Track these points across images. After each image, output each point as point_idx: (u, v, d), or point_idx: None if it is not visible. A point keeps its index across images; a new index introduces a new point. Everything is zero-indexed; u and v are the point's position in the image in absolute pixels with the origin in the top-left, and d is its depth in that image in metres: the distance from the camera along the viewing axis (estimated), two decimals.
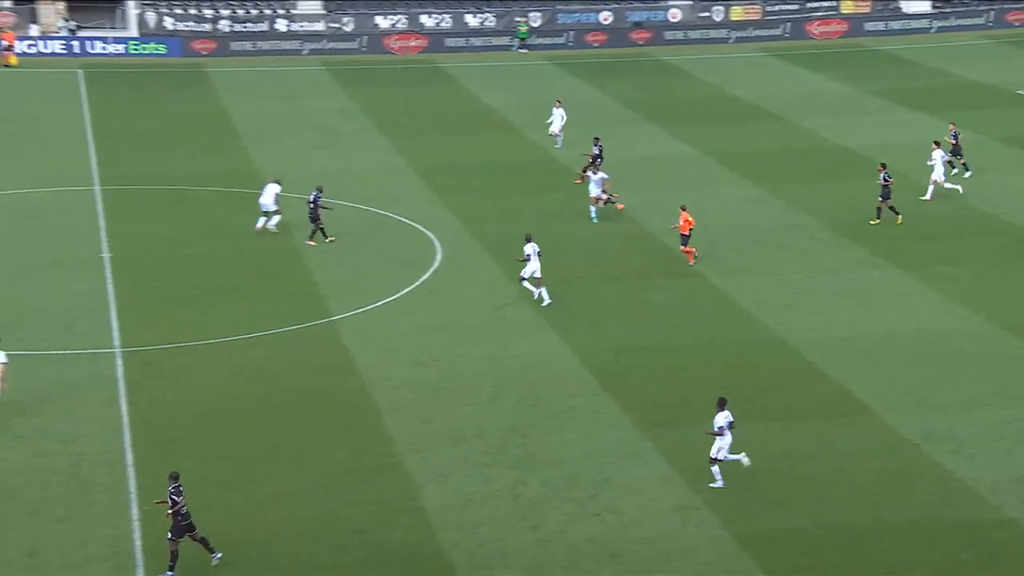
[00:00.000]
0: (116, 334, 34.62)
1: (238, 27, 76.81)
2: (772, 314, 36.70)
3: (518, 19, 79.72)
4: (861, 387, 31.87)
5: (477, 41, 79.15)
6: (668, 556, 24.76)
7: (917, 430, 29.46)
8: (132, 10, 76.46)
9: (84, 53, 73.90)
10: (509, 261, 40.32)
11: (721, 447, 26.96)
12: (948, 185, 46.72)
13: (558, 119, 54.31)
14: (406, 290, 38.10)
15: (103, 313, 36.02)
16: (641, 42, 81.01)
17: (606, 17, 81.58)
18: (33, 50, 73.07)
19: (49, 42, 73.82)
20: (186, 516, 23.51)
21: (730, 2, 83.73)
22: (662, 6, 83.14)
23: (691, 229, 39.59)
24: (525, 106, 63.65)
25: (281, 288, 38.17)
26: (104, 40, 74.73)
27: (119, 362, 32.85)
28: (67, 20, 75.39)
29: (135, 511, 25.78)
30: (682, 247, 39.78)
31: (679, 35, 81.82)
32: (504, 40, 79.28)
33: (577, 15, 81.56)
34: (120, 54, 74.32)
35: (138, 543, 24.73)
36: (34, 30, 74.40)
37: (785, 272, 40.17)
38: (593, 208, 44.26)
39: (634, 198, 46.94)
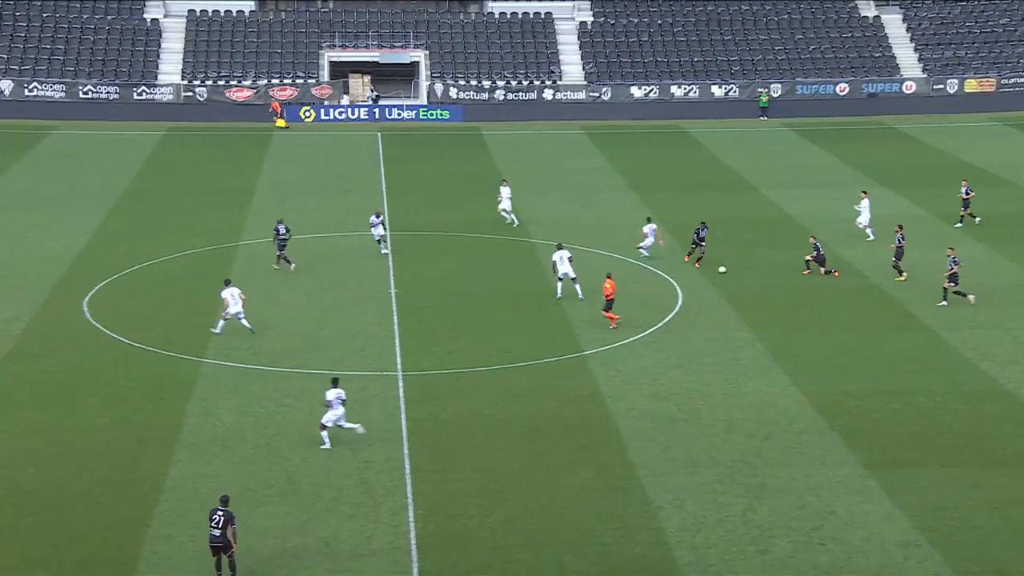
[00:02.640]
0: (399, 359, 35.61)
1: (511, 96, 78.61)
2: (998, 367, 34.89)
3: (760, 90, 78.81)
4: None
5: (722, 109, 78.59)
6: None
7: None
8: (424, 82, 79.39)
9: (383, 118, 77.06)
10: (744, 307, 39.79)
11: (331, 417, 29.08)
12: (862, 225, 47.94)
13: (506, 197, 50.13)
14: (649, 331, 37.96)
15: (389, 340, 37.17)
16: (876, 112, 78.77)
17: (843, 88, 79.71)
18: (343, 116, 76.83)
19: (357, 109, 77.37)
20: (210, 540, 23.45)
21: (965, 75, 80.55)
22: (897, 79, 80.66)
23: (614, 295, 37.41)
24: (764, 168, 62.80)
25: (539, 324, 38.63)
26: (400, 107, 77.77)
27: (400, 383, 33.75)
28: (372, 91, 78.92)
29: (411, 513, 26.39)
30: (604, 311, 37.46)
31: (913, 105, 79.15)
32: (746, 109, 78.46)
33: (815, 86, 79.95)
34: (412, 119, 77.17)
35: (413, 541, 25.28)
36: (345, 100, 78.23)
37: (1014, 327, 38.12)
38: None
39: (865, 256, 45.61)
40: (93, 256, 46.16)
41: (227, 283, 37.36)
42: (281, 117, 74.53)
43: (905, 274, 42.69)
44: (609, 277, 38.10)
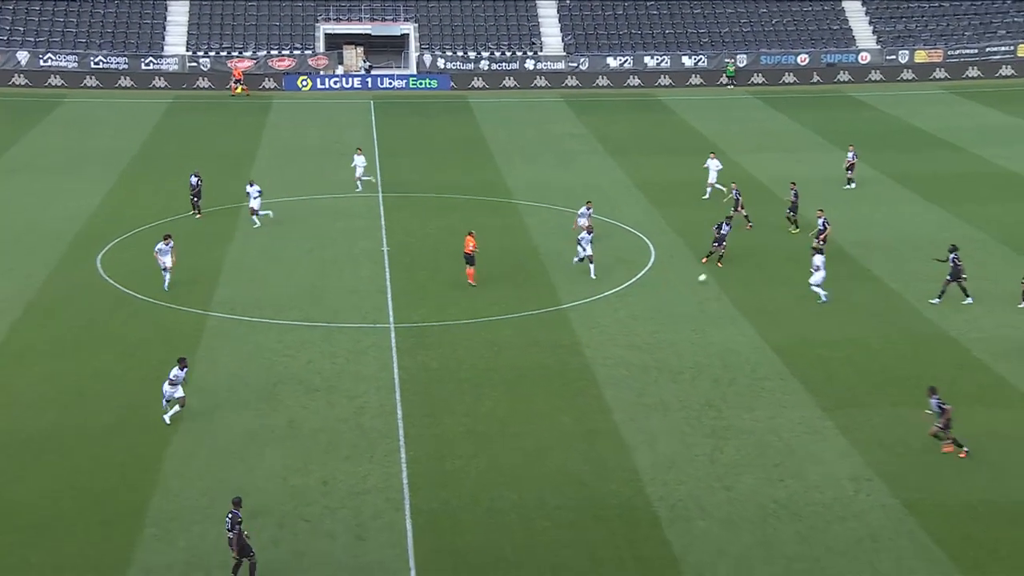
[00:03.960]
0: (391, 312, 35.58)
1: (495, 66, 78.06)
2: (944, 315, 35.08)
3: (727, 60, 78.46)
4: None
5: (691, 79, 78.25)
6: (843, 518, 24.03)
7: None
8: (413, 53, 78.71)
9: (375, 87, 76.44)
10: (711, 263, 39.77)
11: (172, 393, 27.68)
12: (715, 186, 47.78)
13: (360, 165, 49.02)
14: (624, 285, 37.98)
15: (382, 295, 37.11)
16: (833, 80, 78.58)
17: (803, 59, 79.41)
18: (338, 85, 76.17)
19: (351, 79, 76.67)
20: (231, 542, 21.68)
21: (915, 47, 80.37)
22: (853, 50, 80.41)
23: (474, 251, 37.05)
24: (730, 132, 62.65)
25: (522, 280, 38.59)
26: (391, 77, 77.14)
27: (393, 334, 33.74)
28: (364, 62, 78.20)
29: (403, 455, 26.50)
30: (468, 266, 37.04)
31: (868, 74, 79.03)
32: (714, 77, 78.15)
33: (777, 56, 79.63)
34: (402, 88, 76.59)
35: (405, 480, 25.41)
36: (340, 70, 77.52)
37: None
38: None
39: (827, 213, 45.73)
40: (105, 216, 45.80)
41: (166, 238, 36.91)
42: (240, 84, 73.32)
43: (798, 229, 43.17)
44: (471, 234, 37.44)
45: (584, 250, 38.56)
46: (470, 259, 37.20)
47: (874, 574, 22.27)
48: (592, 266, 38.16)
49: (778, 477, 25.59)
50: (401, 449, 26.74)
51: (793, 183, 44.89)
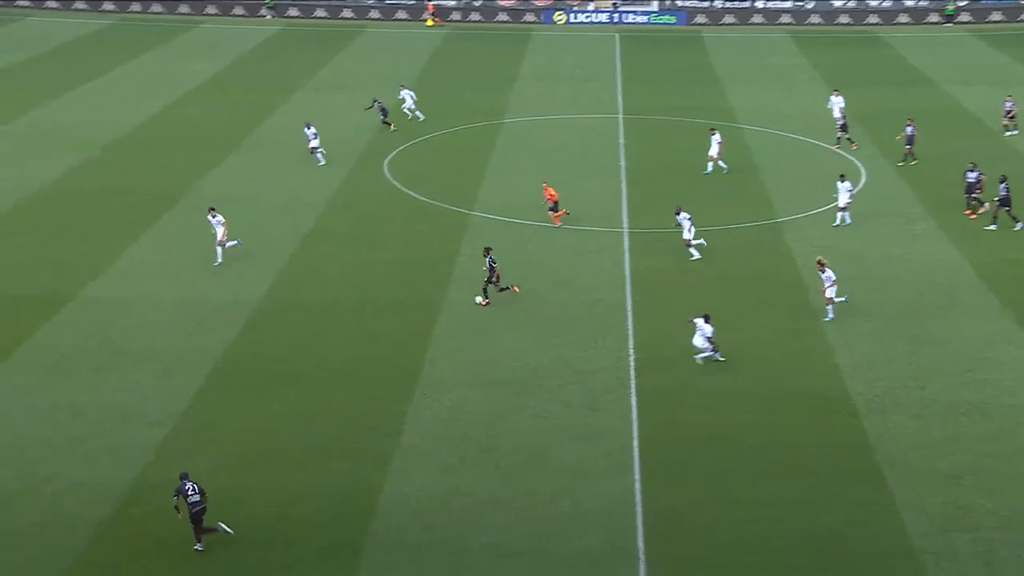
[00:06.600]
0: (625, 218, 35.25)
1: (728, 4, 74.63)
2: None
3: None
4: None
5: (911, 17, 72.11)
6: None
7: None
8: None
9: (620, 22, 74.75)
10: (919, 186, 37.12)
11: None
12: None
13: (408, 99, 46.57)
14: (833, 203, 36.01)
15: (617, 203, 36.76)
16: None
17: None
18: (588, 20, 75.02)
19: (600, 14, 75.30)
20: (193, 506, 18.62)
21: None
22: None
23: (556, 200, 33.66)
24: (945, 66, 57.63)
25: (743, 195, 37.28)
26: (634, 13, 75.16)
27: (626, 239, 33.45)
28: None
29: (631, 341, 26.42)
30: (550, 212, 33.84)
31: None
32: (934, 16, 71.74)
33: None
34: (644, 23, 74.54)
35: (632, 363, 25.38)
36: (591, 6, 76.23)
37: None
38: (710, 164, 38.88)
39: None
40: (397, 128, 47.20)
41: (211, 210, 30.79)
42: (434, 16, 73.36)
43: (915, 161, 39.65)
44: (546, 184, 34.73)
45: (686, 233, 31.63)
46: (554, 207, 34.35)
47: None
48: (692, 249, 31.48)
49: (971, 380, 23.96)
50: (629, 336, 26.66)
51: (911, 120, 40.85)
